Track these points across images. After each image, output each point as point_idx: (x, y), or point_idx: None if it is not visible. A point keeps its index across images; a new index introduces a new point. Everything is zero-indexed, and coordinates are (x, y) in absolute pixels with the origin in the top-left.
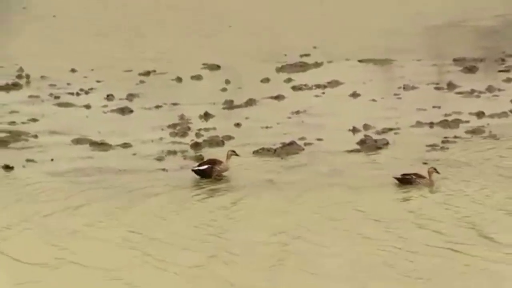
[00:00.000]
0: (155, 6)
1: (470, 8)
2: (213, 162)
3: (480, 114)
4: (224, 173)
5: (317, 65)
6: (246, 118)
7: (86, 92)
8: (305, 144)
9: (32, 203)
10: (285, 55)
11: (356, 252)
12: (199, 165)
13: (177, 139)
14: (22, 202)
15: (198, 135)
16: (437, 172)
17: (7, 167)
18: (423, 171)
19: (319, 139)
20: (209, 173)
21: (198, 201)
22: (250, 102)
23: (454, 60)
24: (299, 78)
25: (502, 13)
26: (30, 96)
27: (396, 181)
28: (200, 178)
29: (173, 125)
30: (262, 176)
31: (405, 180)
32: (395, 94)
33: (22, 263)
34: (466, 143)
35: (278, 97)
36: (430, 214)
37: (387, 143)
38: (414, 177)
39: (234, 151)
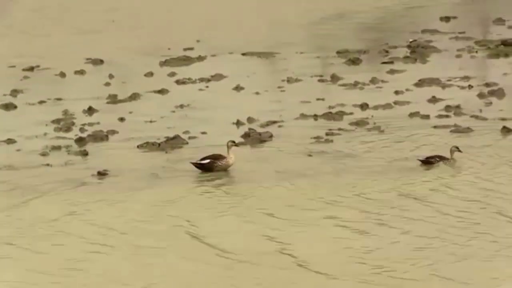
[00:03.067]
0: (37, 2)
1: (353, 0)
2: (215, 157)
3: (364, 106)
4: (229, 167)
5: (200, 58)
6: (130, 112)
7: None
8: (189, 137)
9: None
10: (169, 49)
11: None
12: (201, 159)
13: (61, 134)
14: None
15: (82, 130)
16: (459, 151)
17: None
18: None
19: (203, 133)
20: (210, 168)
21: (86, 195)
22: (134, 97)
23: (338, 52)
24: (183, 72)
25: (385, 5)
26: None
27: (420, 163)
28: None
29: (57, 120)
30: (147, 170)
31: (428, 162)
32: (279, 87)
33: None
34: (350, 135)
35: (162, 91)
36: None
37: (271, 136)
38: (437, 159)
39: (233, 141)
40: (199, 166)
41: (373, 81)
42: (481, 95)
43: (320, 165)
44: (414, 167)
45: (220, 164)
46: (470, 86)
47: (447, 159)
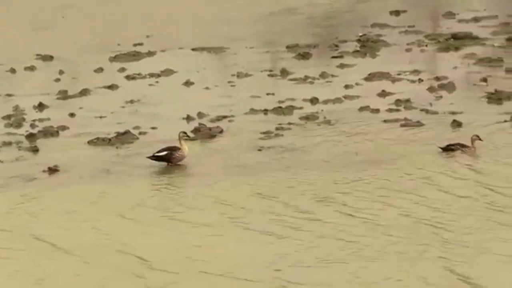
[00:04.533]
0: None
1: None
2: (171, 149)
3: (314, 100)
4: (183, 159)
5: (150, 54)
6: (80, 108)
7: None
8: (140, 133)
9: None
10: (119, 44)
11: None
12: (156, 152)
13: (12, 130)
14: None
15: (33, 125)
16: (480, 140)
17: None
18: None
19: (153, 128)
20: (168, 159)
21: (38, 193)
22: (84, 92)
23: (287, 47)
24: (133, 67)
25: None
26: None
27: (441, 150)
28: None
29: (8, 116)
30: (98, 166)
31: (449, 149)
32: (229, 82)
33: None
34: (300, 129)
35: (112, 87)
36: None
37: (221, 131)
38: (458, 146)
39: (185, 132)
40: (156, 158)
41: (323, 75)
42: (431, 89)
43: (269, 160)
44: (362, 161)
45: (177, 155)
46: (420, 80)
47: (468, 147)
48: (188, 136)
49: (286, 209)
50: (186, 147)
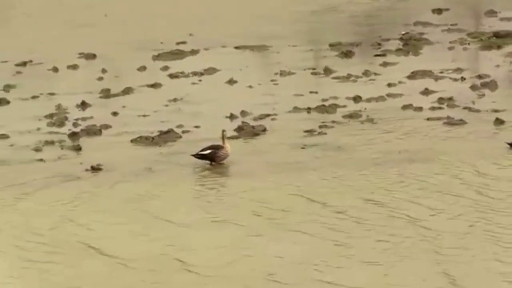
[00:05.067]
0: None
1: None
2: (215, 147)
3: (357, 99)
4: (227, 158)
5: (193, 52)
6: (123, 106)
7: None
8: (183, 131)
9: None
10: (162, 43)
11: None
12: (201, 150)
13: (55, 129)
14: None
15: (75, 124)
16: None
17: None
18: None
19: (196, 127)
20: (212, 157)
21: (79, 192)
22: (127, 91)
23: (330, 45)
24: (176, 65)
25: None
26: None
27: (508, 146)
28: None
29: (50, 115)
30: (140, 165)
31: None
32: (272, 80)
33: None
34: (344, 128)
35: (155, 85)
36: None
37: (264, 129)
38: None
39: (224, 130)
40: (200, 156)
41: (366, 73)
42: (473, 87)
43: (312, 158)
44: (405, 160)
45: (221, 154)
46: (462, 78)
47: None
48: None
49: (325, 208)
50: (228, 145)
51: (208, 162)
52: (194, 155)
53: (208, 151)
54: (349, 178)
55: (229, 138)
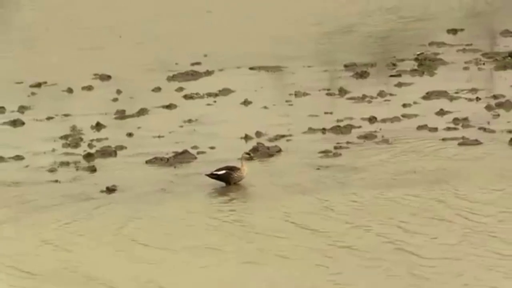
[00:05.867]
0: (42, 17)
1: (358, 14)
2: (230, 168)
3: (372, 119)
4: (241, 180)
5: (208, 73)
6: (138, 127)
7: None
8: (198, 152)
9: None
10: (176, 64)
11: None
12: (215, 170)
13: (70, 150)
14: None
15: (90, 145)
16: None
17: None
18: None
19: (211, 148)
20: (226, 179)
21: (97, 213)
22: (142, 112)
23: (345, 66)
24: (191, 86)
25: (391, 18)
26: None
27: None
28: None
29: (65, 136)
30: (155, 186)
31: None
32: (287, 101)
33: None
34: (359, 148)
35: (169, 106)
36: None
37: (279, 150)
38: None
39: (248, 153)
40: (214, 176)
41: (381, 94)
42: (488, 107)
43: (327, 180)
44: (421, 180)
45: (236, 175)
46: (477, 99)
47: None
48: (251, 156)
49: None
50: (246, 168)
51: (223, 183)
52: (208, 175)
53: (223, 172)
54: (364, 199)
55: (249, 159)
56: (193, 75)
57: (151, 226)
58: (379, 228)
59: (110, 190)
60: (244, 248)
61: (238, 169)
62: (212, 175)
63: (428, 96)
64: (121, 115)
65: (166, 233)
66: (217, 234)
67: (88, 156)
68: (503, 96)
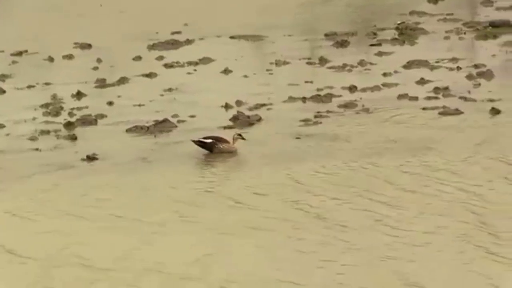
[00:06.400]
0: None
1: None
2: (218, 140)
3: (352, 88)
4: (227, 152)
5: (188, 42)
6: (119, 96)
7: None
8: (178, 121)
9: None
10: (157, 33)
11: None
12: (202, 138)
13: (50, 118)
14: None
15: (71, 114)
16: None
17: None
18: None
19: (192, 116)
20: (210, 148)
21: (71, 180)
22: (122, 80)
23: (326, 35)
24: (171, 55)
25: None
26: None
27: None
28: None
29: (46, 105)
30: (136, 154)
31: None
32: (267, 70)
33: None
34: (339, 117)
35: (150, 75)
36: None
37: (260, 119)
38: None
39: (240, 135)
40: (200, 143)
41: (361, 63)
42: (469, 77)
43: (307, 148)
44: (401, 149)
45: (221, 147)
46: (458, 68)
47: None
48: (243, 138)
49: (319, 199)
50: (236, 146)
51: (206, 151)
52: (194, 141)
53: (209, 141)
54: (345, 168)
55: (224, 128)
56: (173, 44)
57: (127, 196)
58: (355, 199)
59: (91, 158)
60: (218, 220)
61: (227, 142)
62: (198, 142)
63: (408, 65)
64: (102, 83)
65: (142, 203)
66: (193, 205)
67: (69, 125)
68: (484, 65)
